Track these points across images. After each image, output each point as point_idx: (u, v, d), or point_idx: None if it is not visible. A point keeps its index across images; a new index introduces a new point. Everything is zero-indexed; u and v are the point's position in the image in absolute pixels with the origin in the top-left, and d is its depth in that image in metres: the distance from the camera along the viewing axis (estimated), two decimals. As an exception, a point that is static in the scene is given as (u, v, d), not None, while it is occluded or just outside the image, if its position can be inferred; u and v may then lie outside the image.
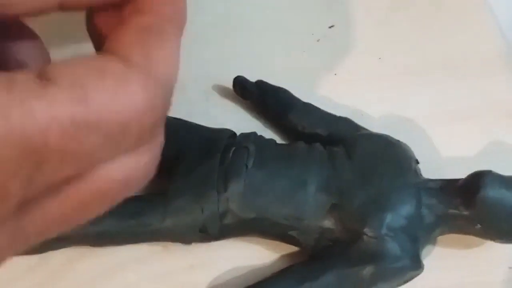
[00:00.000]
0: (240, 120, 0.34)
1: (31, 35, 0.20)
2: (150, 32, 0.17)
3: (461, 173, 0.29)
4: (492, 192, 0.27)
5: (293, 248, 0.30)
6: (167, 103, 0.17)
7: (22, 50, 0.19)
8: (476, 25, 0.39)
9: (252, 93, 0.34)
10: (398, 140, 0.31)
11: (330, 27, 0.39)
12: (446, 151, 0.34)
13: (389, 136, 0.31)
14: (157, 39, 0.17)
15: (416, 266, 0.27)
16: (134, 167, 0.17)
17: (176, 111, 0.32)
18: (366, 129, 0.32)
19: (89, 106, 0.15)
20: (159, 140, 0.18)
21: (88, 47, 0.20)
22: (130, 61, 0.16)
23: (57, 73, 0.15)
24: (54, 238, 0.28)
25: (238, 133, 0.31)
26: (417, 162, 0.30)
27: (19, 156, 0.14)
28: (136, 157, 0.17)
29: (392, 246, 0.27)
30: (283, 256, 0.30)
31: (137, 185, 0.18)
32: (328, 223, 0.28)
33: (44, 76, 0.14)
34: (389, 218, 0.27)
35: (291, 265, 0.29)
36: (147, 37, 0.17)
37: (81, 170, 0.16)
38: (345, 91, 0.36)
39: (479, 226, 0.28)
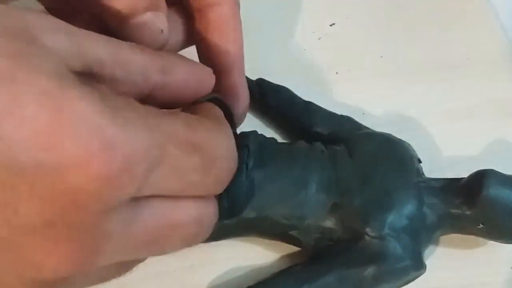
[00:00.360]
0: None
1: None
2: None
3: (464, 172, 0.29)
4: (495, 192, 0.27)
5: (293, 248, 0.30)
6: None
7: None
8: (479, 24, 0.39)
9: (252, 92, 0.34)
10: (400, 139, 0.30)
11: (331, 25, 0.38)
12: (448, 150, 0.34)
13: (390, 135, 0.31)
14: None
15: (418, 266, 0.27)
16: (207, 211, 0.22)
17: (176, 110, 0.32)
18: (368, 128, 0.32)
19: (195, 135, 0.20)
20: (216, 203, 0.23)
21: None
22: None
23: (175, 111, 0.21)
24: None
25: (238, 132, 0.31)
26: (419, 161, 0.30)
27: (149, 147, 0.18)
28: (209, 203, 0.22)
29: (394, 246, 0.26)
30: (283, 257, 0.30)
31: (207, 230, 0.23)
32: (329, 223, 0.28)
33: (168, 111, 0.20)
34: (391, 218, 0.27)
35: (291, 266, 0.28)
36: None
37: (179, 185, 0.20)
38: (346, 89, 0.36)
39: (481, 226, 0.28)
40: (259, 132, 0.31)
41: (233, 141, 0.23)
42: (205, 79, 0.25)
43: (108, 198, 0.17)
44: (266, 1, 0.39)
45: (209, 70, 0.25)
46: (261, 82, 0.34)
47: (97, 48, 0.20)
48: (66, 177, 0.16)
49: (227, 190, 0.28)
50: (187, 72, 0.24)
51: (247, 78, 0.34)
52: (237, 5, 0.28)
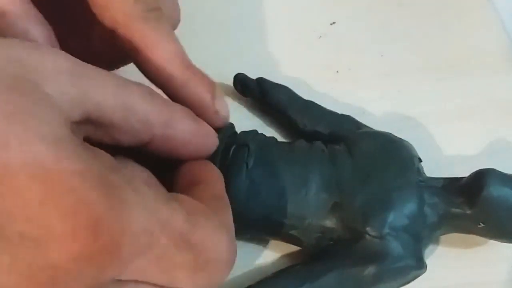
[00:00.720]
0: (240, 118, 0.34)
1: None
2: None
3: (464, 172, 0.29)
4: (495, 191, 0.27)
5: (294, 248, 0.30)
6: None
7: None
8: (479, 23, 0.39)
9: (252, 91, 0.34)
10: (401, 138, 0.30)
11: (331, 24, 0.38)
12: (449, 149, 0.34)
13: (391, 134, 0.31)
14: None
15: (419, 265, 0.27)
16: None
17: (176, 109, 0.32)
18: (368, 127, 0.32)
19: (194, 232, 0.19)
20: None
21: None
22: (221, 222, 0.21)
23: (182, 198, 0.20)
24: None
25: (238, 131, 0.31)
26: (420, 161, 0.30)
27: (141, 232, 0.17)
28: None
29: (395, 246, 0.26)
30: (284, 256, 0.30)
31: None
32: (329, 222, 0.28)
33: (174, 197, 0.20)
34: (391, 217, 0.27)
35: (291, 265, 0.28)
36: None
37: (163, 278, 0.19)
38: (347, 88, 0.35)
39: (482, 225, 0.27)
40: (259, 131, 0.31)
41: (233, 245, 0.21)
42: (208, 141, 0.24)
43: (88, 278, 0.17)
44: (266, 0, 0.39)
45: (213, 133, 0.25)
46: (261, 81, 0.34)
47: (102, 92, 0.19)
48: (48, 253, 0.16)
49: (227, 189, 0.28)
50: (190, 130, 0.23)
51: (247, 76, 0.34)
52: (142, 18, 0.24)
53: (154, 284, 0.19)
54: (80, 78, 0.18)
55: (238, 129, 0.31)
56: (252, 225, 0.28)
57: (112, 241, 0.16)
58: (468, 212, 0.27)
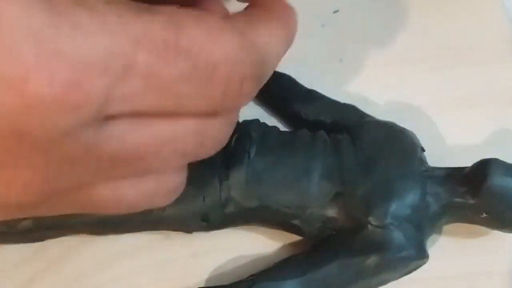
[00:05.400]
0: (242, 107, 0.34)
1: None
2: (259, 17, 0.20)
3: (467, 161, 0.29)
4: (499, 181, 0.27)
5: (295, 238, 0.30)
6: (257, 77, 0.19)
7: None
8: (483, 11, 0.38)
9: (254, 80, 0.33)
10: (404, 128, 0.30)
11: (334, 12, 0.38)
12: (452, 139, 0.33)
13: (394, 124, 0.31)
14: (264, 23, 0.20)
15: (421, 255, 0.27)
16: (212, 128, 0.18)
17: (177, 98, 0.32)
18: (371, 116, 0.32)
19: (182, 34, 0.16)
20: (235, 115, 0.20)
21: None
22: (231, 19, 0.18)
23: (158, 8, 0.16)
24: (53, 226, 0.28)
25: (240, 120, 0.31)
26: (423, 150, 0.30)
27: (108, 57, 0.14)
28: (215, 120, 0.18)
29: (397, 236, 0.26)
30: (285, 246, 0.30)
31: (211, 148, 0.19)
32: (331, 211, 0.28)
33: (149, 9, 0.16)
34: (394, 207, 0.27)
35: (293, 255, 0.28)
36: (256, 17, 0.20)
37: (164, 99, 0.16)
38: (350, 77, 0.35)
39: (485, 215, 0.27)
40: (261, 121, 0.31)
41: (247, 43, 0.18)
42: None
43: (57, 122, 0.14)
44: (268, -12, 0.39)
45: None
46: (263, 70, 0.34)
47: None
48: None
49: (229, 178, 0.28)
50: None
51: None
52: None
53: (159, 114, 0.17)
54: None
55: (240, 118, 0.31)
56: (253, 215, 0.28)
57: (77, 73, 0.14)
58: (471, 202, 0.27)
